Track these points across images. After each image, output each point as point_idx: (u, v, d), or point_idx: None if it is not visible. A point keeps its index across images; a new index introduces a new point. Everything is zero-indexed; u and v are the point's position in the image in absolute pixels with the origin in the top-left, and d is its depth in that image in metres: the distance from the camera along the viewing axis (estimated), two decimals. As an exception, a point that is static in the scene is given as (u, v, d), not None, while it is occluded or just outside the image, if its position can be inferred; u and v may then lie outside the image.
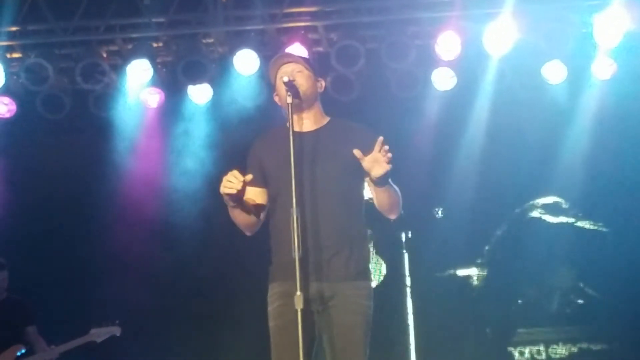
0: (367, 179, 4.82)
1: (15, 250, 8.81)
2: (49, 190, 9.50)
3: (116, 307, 8.82)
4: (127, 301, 9.02)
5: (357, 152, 4.60)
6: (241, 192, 4.61)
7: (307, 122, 4.87)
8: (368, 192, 4.91)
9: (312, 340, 4.66)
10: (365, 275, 4.82)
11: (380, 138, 4.57)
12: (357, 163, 4.72)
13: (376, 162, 4.57)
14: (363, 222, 4.90)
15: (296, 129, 4.78)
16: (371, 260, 4.91)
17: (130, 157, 9.33)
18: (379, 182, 4.65)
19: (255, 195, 4.87)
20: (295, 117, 4.79)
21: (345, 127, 4.95)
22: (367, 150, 4.64)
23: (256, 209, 4.87)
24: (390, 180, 4.71)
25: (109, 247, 9.30)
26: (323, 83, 5.08)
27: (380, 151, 4.55)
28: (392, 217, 4.92)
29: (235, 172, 4.58)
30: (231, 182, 4.56)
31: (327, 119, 4.98)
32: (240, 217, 4.80)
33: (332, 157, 4.77)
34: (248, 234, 4.94)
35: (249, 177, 4.61)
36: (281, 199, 4.74)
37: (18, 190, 9.50)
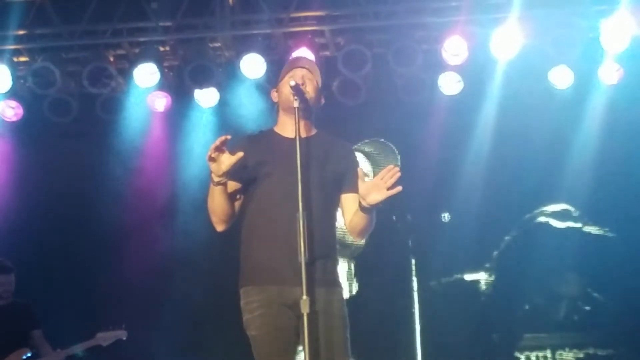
0: (343, 195, 4.90)
1: (21, 253, 8.82)
2: (55, 194, 9.51)
3: (123, 311, 8.82)
4: (134, 305, 9.03)
5: (360, 171, 4.67)
6: (229, 164, 4.61)
7: (294, 129, 4.83)
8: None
9: (296, 345, 4.69)
10: (339, 282, 4.89)
11: (390, 166, 4.60)
12: (340, 178, 4.85)
13: (375, 187, 4.59)
14: (336, 233, 4.95)
15: (287, 134, 4.86)
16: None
17: (136, 161, 9.35)
18: (368, 209, 4.69)
19: (233, 188, 4.86)
20: (288, 120, 4.86)
21: (332, 141, 5.02)
22: (351, 165, 4.84)
23: (234, 200, 4.88)
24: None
25: (115, 250, 9.30)
26: (323, 100, 5.10)
27: (382, 178, 4.57)
28: (358, 239, 5.01)
29: (222, 139, 4.60)
30: (211, 149, 4.58)
31: (315, 130, 5.02)
32: (218, 199, 4.75)
33: (320, 167, 4.82)
34: (219, 227, 4.89)
35: (240, 154, 4.61)
36: (266, 202, 4.78)
37: (25, 194, 9.51)
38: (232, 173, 4.71)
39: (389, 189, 4.56)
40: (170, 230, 9.34)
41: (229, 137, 4.63)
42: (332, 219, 4.90)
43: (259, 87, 8.79)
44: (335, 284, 4.83)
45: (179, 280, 9.27)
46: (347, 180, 4.85)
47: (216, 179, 4.68)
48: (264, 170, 4.80)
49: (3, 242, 9.07)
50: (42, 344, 8.16)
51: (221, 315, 9.06)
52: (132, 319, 8.45)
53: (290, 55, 8.41)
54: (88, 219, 9.43)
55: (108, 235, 9.36)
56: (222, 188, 4.73)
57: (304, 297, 4.42)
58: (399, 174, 4.56)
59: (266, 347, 4.69)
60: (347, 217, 4.89)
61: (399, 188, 4.56)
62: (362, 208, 4.70)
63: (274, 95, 5.06)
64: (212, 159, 4.61)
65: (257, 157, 4.81)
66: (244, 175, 4.83)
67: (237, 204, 4.89)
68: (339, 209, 4.97)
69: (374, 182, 4.59)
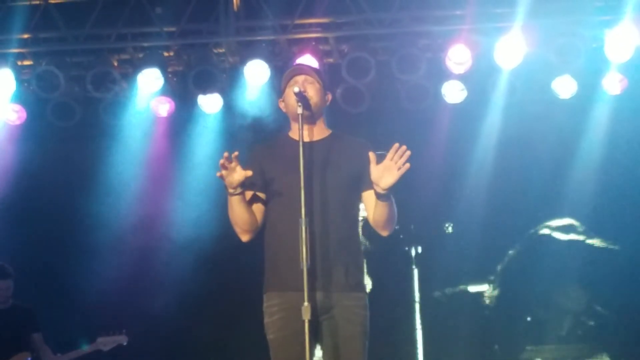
0: (364, 193, 4.87)
1: (23, 257, 8.82)
2: (57, 198, 9.51)
3: (123, 315, 8.82)
4: (134, 310, 9.02)
5: (372, 155, 4.66)
6: (241, 178, 4.65)
7: (311, 132, 4.90)
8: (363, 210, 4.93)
9: (314, 350, 4.67)
10: (362, 286, 4.88)
11: (395, 145, 4.61)
12: (357, 177, 4.83)
13: (387, 170, 4.61)
14: (359, 235, 4.96)
15: (298, 138, 4.84)
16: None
17: (139, 166, 9.35)
18: (384, 195, 4.70)
19: (254, 197, 4.89)
20: (296, 126, 4.86)
21: (347, 141, 5.02)
22: (365, 165, 4.74)
23: (254, 209, 4.89)
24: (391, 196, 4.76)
25: (116, 255, 9.29)
26: (330, 96, 5.13)
27: (392, 159, 4.59)
28: (385, 233, 4.96)
29: (227, 154, 4.63)
30: (223, 165, 4.62)
31: (329, 132, 5.05)
32: (237, 209, 4.78)
33: (335, 169, 4.83)
34: (244, 238, 4.90)
35: (249, 173, 4.66)
36: (283, 207, 4.79)
37: (26, 197, 9.52)
38: (249, 184, 4.74)
39: (399, 169, 4.59)
40: (173, 235, 9.34)
41: (236, 153, 4.66)
42: (352, 218, 4.89)
43: (263, 93, 8.79)
44: (357, 288, 4.81)
45: (181, 286, 9.26)
46: (365, 178, 4.80)
47: (230, 191, 4.72)
48: (280, 176, 4.82)
49: (4, 246, 9.07)
50: (42, 347, 8.16)
51: (225, 323, 9.09)
52: (132, 325, 8.45)
53: (294, 62, 8.42)
54: (90, 223, 9.42)
55: (111, 239, 9.35)
56: (240, 198, 4.76)
57: (305, 303, 4.42)
58: (408, 153, 4.59)
59: (283, 350, 4.70)
60: (370, 213, 4.88)
61: (408, 165, 4.59)
62: (378, 195, 4.71)
63: (282, 105, 5.08)
64: (221, 176, 4.65)
65: (273, 163, 4.85)
66: (263, 183, 4.86)
67: (260, 212, 4.90)
68: (363, 208, 4.96)
69: (384, 164, 4.61)
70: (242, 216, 4.81)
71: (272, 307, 4.78)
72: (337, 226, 4.76)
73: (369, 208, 4.90)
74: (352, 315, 4.75)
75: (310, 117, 4.88)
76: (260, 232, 4.93)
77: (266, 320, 4.80)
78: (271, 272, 4.84)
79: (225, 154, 4.63)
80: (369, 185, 4.79)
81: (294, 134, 4.99)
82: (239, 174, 4.66)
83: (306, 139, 4.79)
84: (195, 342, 9.30)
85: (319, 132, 4.96)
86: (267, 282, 4.86)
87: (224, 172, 4.64)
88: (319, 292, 4.64)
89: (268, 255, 4.89)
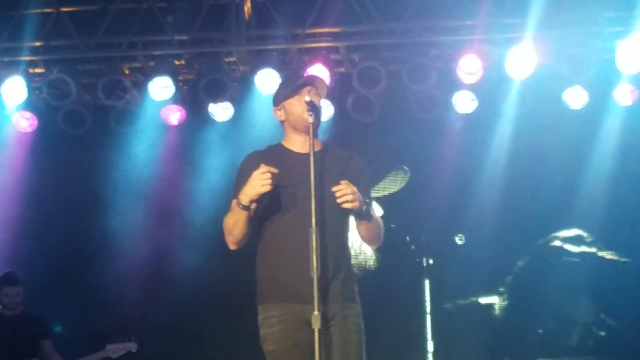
0: None
1: (33, 264, 8.84)
2: (67, 205, 9.54)
3: (133, 323, 8.82)
4: (144, 317, 9.02)
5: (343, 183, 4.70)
6: (266, 189, 4.64)
7: (306, 144, 4.81)
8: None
9: None
10: (357, 298, 4.91)
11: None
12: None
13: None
14: (349, 246, 4.98)
15: (297, 149, 4.91)
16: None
17: (150, 174, 9.36)
18: (355, 215, 4.78)
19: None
20: (297, 137, 4.91)
21: (340, 153, 5.04)
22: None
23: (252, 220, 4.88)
24: (370, 213, 4.83)
25: (127, 262, 9.30)
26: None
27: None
28: (372, 247, 5.00)
29: (269, 168, 4.62)
30: (266, 178, 4.60)
31: (321, 144, 5.01)
32: (242, 222, 4.75)
33: (332, 180, 4.79)
34: (234, 246, 4.88)
35: (275, 170, 4.65)
36: (283, 218, 4.78)
37: (37, 205, 9.53)
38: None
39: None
40: (182, 243, 9.35)
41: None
42: (346, 232, 4.92)
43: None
44: (352, 299, 4.84)
45: (192, 294, 9.26)
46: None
47: (246, 203, 4.67)
48: (278, 186, 4.76)
49: (15, 253, 9.09)
50: (52, 354, 8.18)
51: (234, 330, 9.08)
52: (142, 332, 8.45)
53: (304, 71, 8.43)
54: (100, 231, 9.43)
55: (120, 247, 9.37)
56: (249, 213, 4.74)
57: (315, 312, 4.43)
58: (343, 196, 4.64)
59: None
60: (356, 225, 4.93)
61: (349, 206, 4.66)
62: (353, 213, 4.79)
63: (279, 114, 5.02)
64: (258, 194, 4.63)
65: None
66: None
67: (251, 222, 4.88)
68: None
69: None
70: (242, 229, 4.79)
71: (271, 319, 4.75)
72: (334, 238, 4.78)
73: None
74: (352, 324, 4.76)
75: (315, 128, 4.87)
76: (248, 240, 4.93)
77: (264, 331, 4.78)
78: (268, 283, 4.81)
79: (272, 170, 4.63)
80: None
81: (288, 143, 4.98)
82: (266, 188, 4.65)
83: (306, 150, 4.76)
84: (206, 350, 9.30)
85: (316, 143, 4.90)
86: (263, 293, 4.84)
87: (267, 187, 4.61)
88: (319, 304, 4.59)
89: (264, 265, 4.86)
